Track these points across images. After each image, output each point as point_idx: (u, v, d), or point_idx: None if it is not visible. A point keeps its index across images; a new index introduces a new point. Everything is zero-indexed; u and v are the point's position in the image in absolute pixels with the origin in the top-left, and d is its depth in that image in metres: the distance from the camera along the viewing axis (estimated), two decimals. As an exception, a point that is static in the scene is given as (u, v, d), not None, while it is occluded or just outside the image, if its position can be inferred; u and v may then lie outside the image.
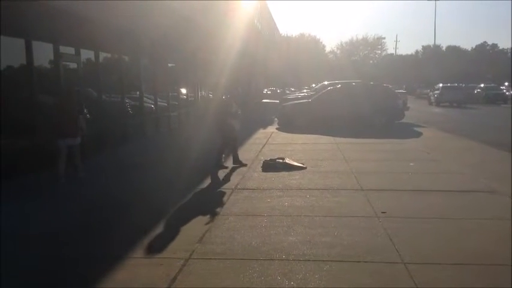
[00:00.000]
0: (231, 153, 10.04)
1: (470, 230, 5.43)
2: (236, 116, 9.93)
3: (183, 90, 20.05)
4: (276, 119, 20.29)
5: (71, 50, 10.62)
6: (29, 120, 8.95)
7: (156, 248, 5.01)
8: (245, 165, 9.75)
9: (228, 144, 9.89)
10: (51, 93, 9.73)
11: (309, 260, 4.54)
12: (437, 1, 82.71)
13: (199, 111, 19.94)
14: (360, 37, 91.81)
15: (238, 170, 9.37)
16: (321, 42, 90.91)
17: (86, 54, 11.49)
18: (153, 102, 16.09)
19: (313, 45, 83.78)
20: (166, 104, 17.20)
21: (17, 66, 9.00)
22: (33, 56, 9.10)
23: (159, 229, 5.67)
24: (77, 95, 9.37)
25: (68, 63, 10.51)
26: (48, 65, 9.96)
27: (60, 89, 9.65)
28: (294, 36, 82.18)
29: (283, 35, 70.13)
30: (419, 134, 15.41)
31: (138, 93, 14.85)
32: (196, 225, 5.75)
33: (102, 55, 12.42)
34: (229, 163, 9.81)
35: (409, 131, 16.27)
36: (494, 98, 38.90)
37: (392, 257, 4.60)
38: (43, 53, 9.60)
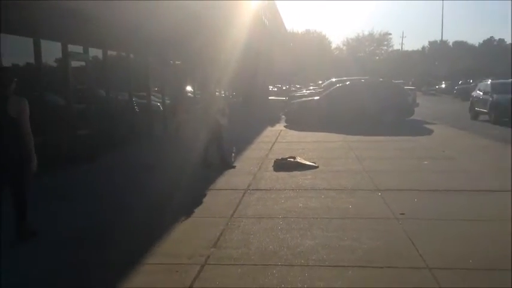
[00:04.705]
0: (219, 152, 9.57)
1: (497, 231, 5.22)
2: (224, 114, 9.63)
3: (190, 88, 19.91)
4: (283, 116, 20.12)
5: (79, 49, 10.49)
6: (38, 119, 8.79)
7: (169, 253, 4.86)
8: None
9: (212, 141, 9.50)
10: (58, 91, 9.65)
11: (329, 266, 4.37)
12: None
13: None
14: (366, 33, 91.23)
15: (248, 169, 9.19)
16: (327, 39, 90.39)
17: (94, 52, 11.36)
18: (160, 100, 15.95)
19: (319, 41, 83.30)
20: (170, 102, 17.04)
21: (25, 65, 8.88)
22: (42, 54, 8.98)
23: (171, 233, 5.49)
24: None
25: (76, 61, 10.38)
26: (56, 64, 9.85)
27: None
28: (299, 32, 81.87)
29: (289, 31, 69.86)
30: (430, 131, 15.17)
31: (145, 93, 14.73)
32: (210, 229, 5.57)
33: (110, 53, 12.29)
34: (235, 162, 9.65)
35: (419, 128, 16.05)
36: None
37: (416, 261, 4.42)
38: (51, 52, 9.48)
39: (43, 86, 9.05)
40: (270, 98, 27.52)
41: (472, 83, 40.01)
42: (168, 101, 16.27)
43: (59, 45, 9.67)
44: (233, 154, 9.94)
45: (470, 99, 21.73)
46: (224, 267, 4.44)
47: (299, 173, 8.68)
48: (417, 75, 65.01)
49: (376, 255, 4.58)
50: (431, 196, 6.88)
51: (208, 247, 4.95)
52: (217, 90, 23.19)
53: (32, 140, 5.28)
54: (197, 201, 6.86)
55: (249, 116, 20.39)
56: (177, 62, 18.31)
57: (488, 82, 20.85)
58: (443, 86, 50.16)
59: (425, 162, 9.58)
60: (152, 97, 15.40)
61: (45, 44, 9.08)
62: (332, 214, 6.04)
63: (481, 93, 20.30)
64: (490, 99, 18.63)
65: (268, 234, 5.30)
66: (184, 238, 5.31)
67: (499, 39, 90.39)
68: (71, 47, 10.01)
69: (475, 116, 20.48)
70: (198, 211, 6.43)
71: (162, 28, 13.44)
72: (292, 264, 4.43)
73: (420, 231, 5.28)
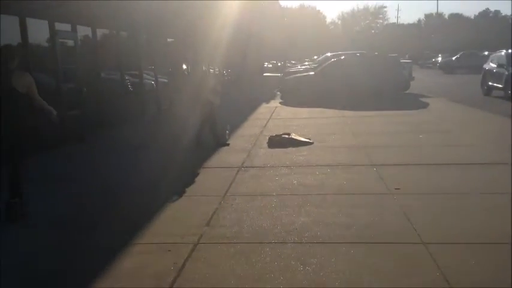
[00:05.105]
0: (212, 130, 9.39)
1: (492, 205, 5.17)
2: (216, 92, 9.49)
3: (184, 66, 19.63)
4: (278, 93, 19.95)
5: (67, 27, 10.24)
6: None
7: (162, 232, 4.79)
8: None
9: (206, 120, 9.34)
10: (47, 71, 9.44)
11: (323, 243, 4.32)
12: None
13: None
14: (361, 7, 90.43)
15: (243, 146, 9.10)
16: (322, 13, 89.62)
17: (83, 31, 11.09)
18: (153, 78, 15.74)
19: (314, 16, 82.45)
20: (166, 81, 16.81)
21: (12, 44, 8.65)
22: (28, 33, 8.75)
23: (164, 212, 5.42)
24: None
25: (64, 40, 10.14)
26: (44, 43, 9.63)
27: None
28: (294, 7, 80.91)
29: (283, 7, 68.94)
30: (426, 105, 15.06)
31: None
32: (203, 207, 5.50)
33: (100, 31, 12.01)
34: (229, 140, 9.54)
35: (415, 102, 15.93)
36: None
37: (411, 237, 4.36)
38: (38, 31, 9.25)
39: (30, 66, 8.84)
40: (265, 74, 27.23)
41: (458, 57, 39.57)
42: (161, 79, 16.06)
43: (46, 23, 9.42)
44: (227, 132, 9.82)
45: (482, 72, 19.06)
46: (217, 246, 4.38)
47: (294, 149, 8.59)
48: (414, 48, 64.46)
49: (370, 231, 4.53)
50: (426, 170, 6.82)
51: (201, 226, 4.88)
52: (211, 68, 22.99)
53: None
54: (190, 179, 6.78)
55: (244, 93, 20.21)
56: (168, 40, 18.00)
57: (503, 53, 17.92)
58: (439, 59, 49.65)
59: (421, 136, 9.51)
60: (145, 75, 15.18)
61: (31, 23, 8.83)
62: (327, 190, 5.98)
63: (495, 65, 17.84)
64: (506, 72, 16.37)
65: (262, 212, 5.23)
66: (177, 217, 5.24)
67: (495, 10, 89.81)
68: (58, 25, 9.75)
69: (488, 91, 18.06)
70: (191, 189, 6.35)
71: (153, 5, 13.18)
72: (285, 242, 4.37)
73: (415, 206, 5.22)
